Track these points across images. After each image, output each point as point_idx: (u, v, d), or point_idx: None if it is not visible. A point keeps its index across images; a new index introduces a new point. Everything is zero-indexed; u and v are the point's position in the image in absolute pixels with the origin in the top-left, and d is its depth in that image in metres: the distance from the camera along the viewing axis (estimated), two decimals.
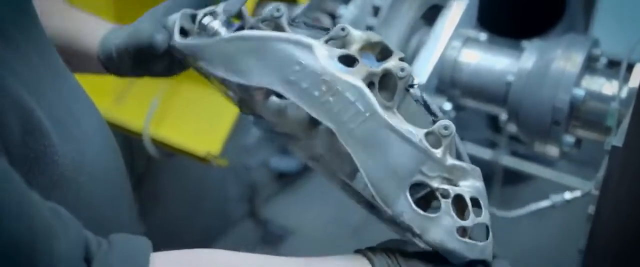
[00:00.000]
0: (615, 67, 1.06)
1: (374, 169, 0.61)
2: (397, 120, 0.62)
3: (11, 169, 0.50)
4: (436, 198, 0.62)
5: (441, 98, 1.20)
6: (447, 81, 1.18)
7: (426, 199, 0.63)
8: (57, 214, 0.54)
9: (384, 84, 0.64)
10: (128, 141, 1.79)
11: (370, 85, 0.63)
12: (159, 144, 1.46)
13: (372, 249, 0.65)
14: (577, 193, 1.01)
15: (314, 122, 0.68)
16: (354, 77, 0.63)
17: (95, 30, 0.87)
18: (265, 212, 2.42)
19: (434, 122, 0.64)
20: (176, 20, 0.77)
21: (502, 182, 2.10)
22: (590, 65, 1.10)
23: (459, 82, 1.18)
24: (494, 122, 1.96)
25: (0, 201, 0.46)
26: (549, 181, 1.85)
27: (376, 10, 1.12)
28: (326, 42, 0.66)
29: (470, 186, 0.62)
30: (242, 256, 0.64)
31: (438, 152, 0.61)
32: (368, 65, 0.64)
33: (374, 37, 0.66)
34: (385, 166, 0.61)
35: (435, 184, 0.61)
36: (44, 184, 0.61)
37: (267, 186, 2.53)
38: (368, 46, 0.66)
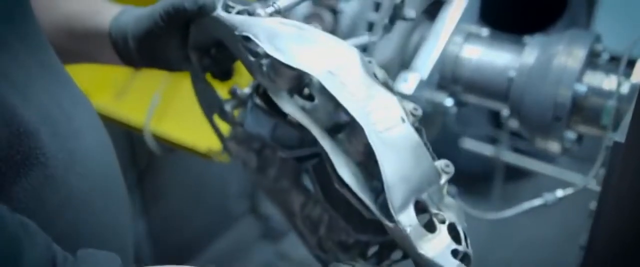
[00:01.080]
0: (617, 63, 1.06)
1: (394, 171, 0.63)
2: None
3: None
4: (432, 224, 0.65)
5: (443, 94, 1.20)
6: (448, 77, 1.18)
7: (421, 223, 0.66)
8: (25, 227, 0.53)
9: None
10: (129, 136, 1.79)
11: None
12: (160, 140, 1.46)
13: None
14: (569, 190, 1.01)
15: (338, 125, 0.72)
16: (389, 93, 0.67)
17: (109, 10, 0.82)
18: (266, 208, 2.42)
19: (432, 156, 0.67)
20: None
21: (503, 178, 2.10)
22: (592, 61, 1.09)
23: (461, 77, 1.18)
24: (495, 118, 1.96)
25: None
26: (550, 177, 1.85)
27: (377, 6, 1.12)
28: None
29: (457, 220, 0.66)
30: None
31: (442, 180, 0.66)
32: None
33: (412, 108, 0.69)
34: (403, 172, 0.63)
35: (433, 210, 0.65)
36: (32, 185, 0.60)
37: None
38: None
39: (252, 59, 0.72)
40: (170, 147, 1.48)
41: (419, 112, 0.68)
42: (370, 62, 0.70)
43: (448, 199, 0.67)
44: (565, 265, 1.04)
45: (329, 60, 0.67)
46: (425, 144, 0.67)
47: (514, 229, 2.33)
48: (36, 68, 0.64)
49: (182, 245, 2.22)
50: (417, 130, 0.67)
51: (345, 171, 0.67)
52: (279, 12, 0.75)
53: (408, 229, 0.62)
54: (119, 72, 1.50)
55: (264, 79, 0.74)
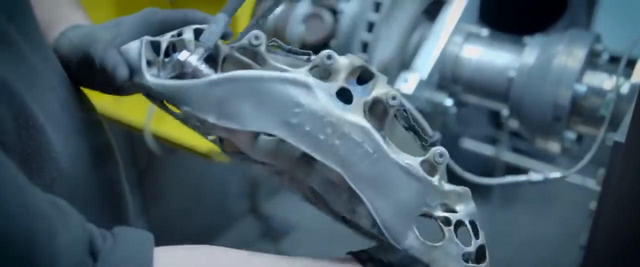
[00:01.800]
0: (617, 63, 1.06)
1: (384, 210, 0.61)
2: (396, 153, 0.62)
3: (7, 159, 0.48)
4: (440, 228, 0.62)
5: (443, 94, 1.20)
6: (448, 77, 1.18)
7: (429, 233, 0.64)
8: (57, 207, 0.53)
9: (372, 110, 0.63)
10: (129, 136, 1.79)
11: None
12: (160, 140, 1.46)
13: (361, 254, 0.65)
14: (557, 174, 1.01)
15: (308, 160, 0.64)
16: (357, 116, 0.61)
17: (60, 22, 0.76)
18: (267, 208, 2.41)
19: (423, 146, 0.64)
20: (141, 51, 0.64)
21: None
22: (592, 61, 1.09)
23: (461, 77, 1.18)
24: (495, 118, 1.96)
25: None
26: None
27: (377, 6, 1.12)
28: (310, 70, 0.62)
29: (465, 209, 0.63)
30: (242, 253, 0.64)
31: (435, 180, 0.62)
32: (361, 96, 0.62)
33: (357, 61, 0.63)
34: (394, 205, 0.61)
35: (436, 212, 0.62)
36: (45, 181, 0.60)
37: (268, 182, 2.53)
38: (351, 72, 0.63)
39: (199, 125, 0.65)
40: (170, 147, 1.48)
41: (396, 101, 0.62)
42: (330, 58, 0.62)
43: (449, 188, 0.62)
44: (566, 264, 1.04)
45: (287, 111, 0.60)
46: (414, 128, 0.64)
47: (514, 228, 2.33)
48: (39, 64, 0.65)
49: (182, 244, 2.22)
50: (403, 114, 0.64)
51: (337, 205, 0.65)
52: (214, 58, 0.65)
53: (413, 251, 0.60)
54: None
55: (219, 137, 0.69)
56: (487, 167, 2.07)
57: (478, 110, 1.34)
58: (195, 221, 2.23)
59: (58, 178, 0.62)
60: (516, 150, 2.01)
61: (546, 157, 1.96)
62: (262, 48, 0.64)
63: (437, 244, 0.61)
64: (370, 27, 1.12)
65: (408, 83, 1.11)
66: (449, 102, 1.18)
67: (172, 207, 2.14)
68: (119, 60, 0.65)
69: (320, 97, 0.60)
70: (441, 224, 0.62)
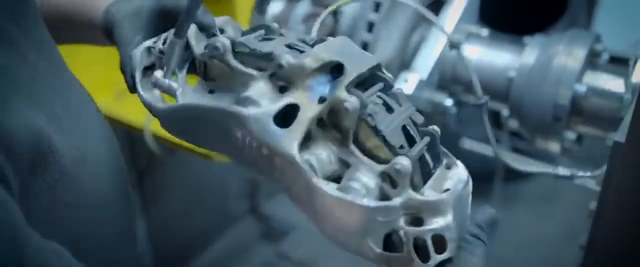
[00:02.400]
0: (616, 63, 1.06)
1: (329, 230, 0.59)
2: (327, 183, 0.58)
3: (10, 199, 0.49)
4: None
5: (442, 94, 1.20)
6: (448, 77, 1.18)
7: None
8: (59, 255, 0.53)
9: (333, 118, 0.59)
10: (129, 136, 1.79)
11: (320, 122, 0.59)
12: (160, 140, 1.46)
13: None
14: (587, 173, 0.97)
15: None
16: (290, 144, 0.57)
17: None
18: (267, 208, 2.42)
19: (397, 154, 0.58)
20: (137, 63, 0.69)
21: (503, 179, 2.10)
22: (592, 61, 1.09)
23: (461, 78, 1.18)
24: (495, 118, 1.96)
25: None
26: (550, 177, 1.85)
27: (377, 6, 1.12)
28: (271, 76, 0.60)
29: (435, 221, 0.57)
30: None
31: (394, 195, 0.57)
32: (330, 94, 0.59)
33: (323, 56, 0.59)
34: (338, 229, 0.58)
35: (398, 223, 0.57)
36: (48, 184, 0.60)
37: (268, 182, 2.53)
38: (319, 69, 0.59)
39: None
40: (170, 147, 1.48)
41: (352, 107, 0.57)
42: (280, 67, 0.59)
43: (416, 200, 0.56)
44: (566, 264, 1.04)
45: (230, 140, 0.61)
46: (381, 134, 0.58)
47: (514, 228, 2.33)
48: (43, 67, 0.64)
49: (182, 245, 2.22)
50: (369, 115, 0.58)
51: None
52: (192, 61, 0.68)
53: (374, 260, 0.58)
54: (119, 73, 1.50)
55: None
56: (487, 167, 2.07)
57: (478, 110, 1.34)
58: (195, 221, 2.23)
59: (60, 180, 0.62)
60: (516, 150, 2.01)
61: (546, 157, 1.96)
62: (228, 54, 0.63)
63: (396, 255, 0.57)
64: (370, 27, 1.12)
65: (408, 83, 1.11)
66: (449, 102, 1.18)
67: (172, 207, 2.14)
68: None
69: (254, 129, 0.58)
70: (401, 235, 0.57)
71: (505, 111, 1.16)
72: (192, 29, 0.67)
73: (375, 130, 0.59)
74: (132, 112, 1.47)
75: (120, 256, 0.75)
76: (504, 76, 1.13)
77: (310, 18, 1.32)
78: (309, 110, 0.58)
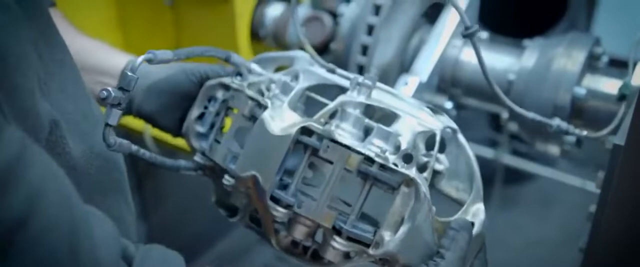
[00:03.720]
0: (616, 66, 1.06)
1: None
2: None
3: (55, 164, 0.52)
4: None
5: (442, 97, 1.20)
6: (448, 80, 1.18)
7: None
8: (95, 215, 0.57)
9: None
10: (129, 139, 1.79)
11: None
12: (160, 143, 1.46)
13: None
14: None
15: None
16: None
17: (116, 62, 0.87)
18: None
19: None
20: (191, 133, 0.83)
21: (503, 181, 2.10)
22: (591, 64, 1.09)
23: (460, 80, 1.18)
24: (495, 121, 1.96)
25: (45, 187, 0.48)
26: (549, 179, 1.85)
27: (377, 9, 1.12)
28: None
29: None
30: None
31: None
32: None
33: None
34: None
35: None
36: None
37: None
38: None
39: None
40: (170, 150, 1.48)
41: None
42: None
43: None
44: None
45: None
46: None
47: (514, 230, 2.33)
48: (54, 67, 0.67)
49: (182, 248, 2.21)
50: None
51: None
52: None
53: None
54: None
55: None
56: (487, 170, 2.08)
57: (478, 113, 1.34)
58: (194, 224, 2.23)
59: (71, 173, 0.63)
60: (516, 153, 2.01)
61: (546, 160, 1.96)
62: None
63: None
64: (370, 30, 1.12)
65: (408, 86, 1.11)
66: (448, 105, 1.18)
67: (172, 210, 2.14)
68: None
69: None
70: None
71: (505, 114, 1.16)
72: None
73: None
74: None
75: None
76: (504, 79, 1.13)
77: (310, 21, 1.32)
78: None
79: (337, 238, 0.68)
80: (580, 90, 1.05)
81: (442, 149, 0.76)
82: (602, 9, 2.31)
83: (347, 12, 1.19)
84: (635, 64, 0.98)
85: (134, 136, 1.53)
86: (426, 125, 0.71)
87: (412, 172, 0.65)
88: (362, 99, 0.70)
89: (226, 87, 0.80)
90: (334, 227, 0.67)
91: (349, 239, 0.68)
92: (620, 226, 0.74)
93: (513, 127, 1.16)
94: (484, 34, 1.21)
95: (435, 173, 0.77)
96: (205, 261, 2.28)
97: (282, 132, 0.68)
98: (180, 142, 1.41)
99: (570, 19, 2.20)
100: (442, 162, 0.77)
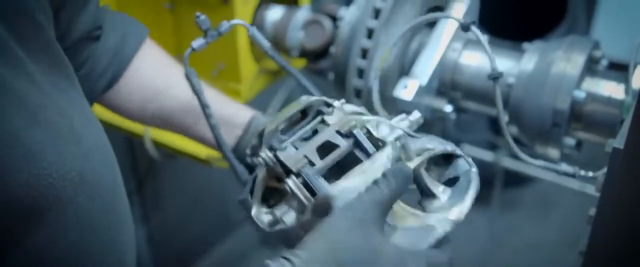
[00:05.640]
0: (615, 69, 1.06)
1: None
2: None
3: None
4: None
5: (442, 100, 1.20)
6: (447, 83, 1.18)
7: None
8: None
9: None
10: (129, 142, 1.79)
11: None
12: (160, 146, 1.47)
13: None
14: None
15: None
16: None
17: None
18: None
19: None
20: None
21: (502, 184, 2.10)
22: (591, 67, 1.10)
23: (460, 84, 1.18)
24: (495, 125, 1.96)
25: None
26: (548, 182, 1.85)
27: (377, 12, 1.12)
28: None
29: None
30: None
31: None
32: None
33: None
34: None
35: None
36: (41, 206, 0.60)
37: None
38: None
39: None
40: (170, 154, 1.48)
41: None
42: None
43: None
44: None
45: None
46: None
47: (513, 233, 2.33)
48: (50, 88, 0.65)
49: (182, 251, 2.22)
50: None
51: None
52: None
53: None
54: None
55: None
56: (487, 173, 2.08)
57: (477, 116, 1.34)
58: (195, 227, 2.23)
59: (54, 203, 0.62)
60: (516, 156, 2.01)
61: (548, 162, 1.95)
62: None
63: None
64: (370, 33, 1.13)
65: (407, 89, 1.11)
66: (448, 108, 1.19)
67: (172, 213, 2.14)
68: None
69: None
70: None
71: (504, 117, 1.16)
72: None
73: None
74: None
75: None
76: (503, 82, 1.13)
77: (309, 24, 1.32)
78: None
79: (293, 176, 0.70)
80: (580, 94, 1.05)
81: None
82: (602, 12, 2.32)
83: (347, 16, 1.19)
84: (635, 67, 0.98)
85: (134, 140, 1.53)
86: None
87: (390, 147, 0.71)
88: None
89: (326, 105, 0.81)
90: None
91: (305, 185, 0.70)
92: (619, 230, 0.75)
93: (513, 130, 1.16)
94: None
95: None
96: (205, 264, 2.28)
97: None
98: (179, 146, 1.41)
99: (569, 22, 2.20)
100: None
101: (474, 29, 0.76)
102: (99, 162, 0.70)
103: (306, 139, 0.77)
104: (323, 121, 0.78)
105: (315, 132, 0.77)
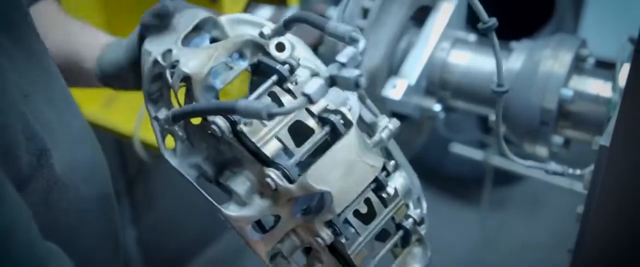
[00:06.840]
0: (602, 67, 1.07)
1: None
2: None
3: (22, 203, 0.53)
4: None
5: (431, 99, 1.20)
6: (436, 82, 1.19)
7: None
8: (52, 249, 0.58)
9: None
10: (119, 143, 1.79)
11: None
12: (149, 147, 1.46)
13: None
14: None
15: None
16: (264, 248, 0.72)
17: (93, 48, 0.83)
18: None
19: None
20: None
21: (492, 183, 2.11)
22: (578, 66, 1.10)
23: (449, 83, 1.18)
24: (484, 123, 1.97)
25: (15, 226, 0.50)
26: (538, 180, 1.86)
27: (365, 12, 1.12)
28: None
29: None
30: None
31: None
32: None
33: (311, 187, 0.64)
34: None
35: None
36: (43, 187, 0.62)
37: None
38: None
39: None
40: (159, 155, 1.48)
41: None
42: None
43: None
44: None
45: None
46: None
47: (504, 232, 2.34)
48: (37, 77, 0.66)
49: (173, 252, 2.22)
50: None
51: None
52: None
53: None
54: None
55: None
56: (477, 171, 2.08)
57: (467, 115, 1.35)
58: (186, 228, 2.23)
59: (55, 185, 0.63)
60: (505, 155, 2.01)
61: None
62: (227, 137, 0.69)
63: None
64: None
65: (396, 89, 1.12)
66: (437, 107, 1.19)
67: (163, 214, 2.14)
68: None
69: (234, 226, 0.75)
70: None
71: (493, 116, 1.17)
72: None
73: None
74: (121, 119, 1.46)
75: (106, 255, 0.76)
76: (492, 81, 1.13)
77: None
78: (289, 223, 0.67)
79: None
80: (567, 92, 1.06)
81: None
82: (589, 11, 2.33)
83: (336, 15, 1.19)
84: (622, 65, 0.99)
85: (123, 141, 1.53)
86: None
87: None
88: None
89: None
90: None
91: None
92: (607, 227, 0.75)
93: (501, 129, 1.16)
94: (471, 37, 1.22)
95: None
96: (197, 264, 2.28)
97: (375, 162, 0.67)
98: (169, 147, 1.40)
99: (557, 21, 2.21)
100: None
101: (493, 35, 0.76)
102: (89, 147, 0.72)
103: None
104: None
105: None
